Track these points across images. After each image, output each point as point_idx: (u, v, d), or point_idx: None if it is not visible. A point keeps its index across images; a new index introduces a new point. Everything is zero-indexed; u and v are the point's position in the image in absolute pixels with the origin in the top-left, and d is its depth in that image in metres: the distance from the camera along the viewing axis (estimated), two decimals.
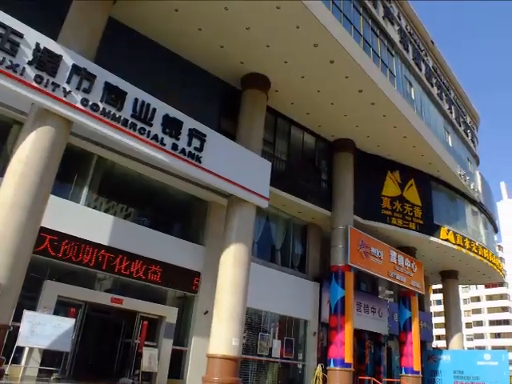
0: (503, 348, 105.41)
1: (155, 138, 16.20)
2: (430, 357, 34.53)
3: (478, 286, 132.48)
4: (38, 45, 13.75)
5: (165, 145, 16.48)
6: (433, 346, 43.31)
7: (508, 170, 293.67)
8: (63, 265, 17.07)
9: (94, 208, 19.11)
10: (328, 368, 24.15)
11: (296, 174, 25.66)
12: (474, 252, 33.32)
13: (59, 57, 14.16)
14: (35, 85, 13.42)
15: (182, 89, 20.91)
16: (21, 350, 15.17)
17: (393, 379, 33.22)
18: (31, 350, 15.41)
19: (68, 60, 14.34)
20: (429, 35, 32.35)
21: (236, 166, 19.17)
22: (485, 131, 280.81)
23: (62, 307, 16.98)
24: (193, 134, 17.62)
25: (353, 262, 25.15)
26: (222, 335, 18.11)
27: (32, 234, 13.14)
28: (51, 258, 16.53)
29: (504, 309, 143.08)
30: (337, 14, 20.69)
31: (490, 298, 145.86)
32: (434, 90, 32.50)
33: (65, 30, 15.22)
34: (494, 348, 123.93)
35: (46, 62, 13.79)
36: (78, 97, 14.33)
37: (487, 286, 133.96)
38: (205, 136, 18.11)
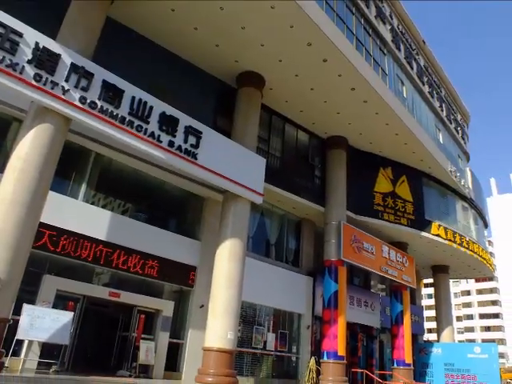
0: (493, 341, 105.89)
1: (152, 135, 16.26)
2: (421, 350, 34.68)
3: (469, 280, 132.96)
4: (37, 44, 13.80)
5: (161, 142, 16.55)
6: (424, 339, 43.51)
7: (498, 166, 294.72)
8: (62, 259, 17.13)
9: (92, 204, 19.16)
10: (321, 360, 24.27)
11: (290, 170, 25.73)
12: (464, 247, 33.46)
13: (58, 56, 14.22)
14: (34, 83, 13.47)
15: (179, 87, 20.97)
16: (20, 342, 15.24)
17: (385, 371, 33.34)
18: (30, 342, 15.48)
19: (67, 59, 14.39)
20: (420, 34, 32.42)
21: (231, 163, 19.24)
22: (475, 129, 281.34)
23: (61, 301, 17.04)
24: (189, 131, 17.69)
25: (346, 256, 25.24)
26: (217, 328, 18.20)
27: (31, 229, 13.20)
28: (50, 253, 16.60)
29: (494, 302, 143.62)
30: (330, 14, 20.75)
31: (480, 292, 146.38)
32: (426, 89, 32.60)
33: (63, 30, 15.26)
34: (483, 341, 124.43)
35: (45, 60, 13.85)
36: (76, 95, 14.38)
37: (477, 280, 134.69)
38: (201, 133, 18.18)
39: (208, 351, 18.00)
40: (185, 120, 17.72)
